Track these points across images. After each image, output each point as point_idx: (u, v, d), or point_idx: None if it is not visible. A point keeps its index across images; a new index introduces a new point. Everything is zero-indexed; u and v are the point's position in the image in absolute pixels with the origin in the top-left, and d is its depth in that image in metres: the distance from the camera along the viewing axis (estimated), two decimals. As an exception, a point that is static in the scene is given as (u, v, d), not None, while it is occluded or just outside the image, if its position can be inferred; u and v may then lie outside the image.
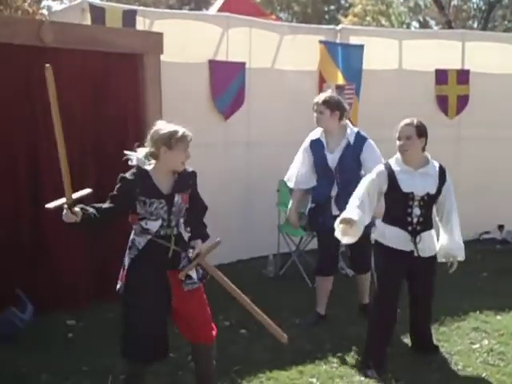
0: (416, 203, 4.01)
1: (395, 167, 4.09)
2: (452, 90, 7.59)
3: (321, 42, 7.03)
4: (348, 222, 3.95)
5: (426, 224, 4.09)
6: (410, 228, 4.05)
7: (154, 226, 3.37)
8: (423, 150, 4.12)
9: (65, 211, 3.10)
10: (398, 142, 4.10)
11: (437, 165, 4.14)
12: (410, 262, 4.10)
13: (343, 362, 4.26)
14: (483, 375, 4.06)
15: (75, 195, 3.23)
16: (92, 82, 5.27)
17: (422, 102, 7.43)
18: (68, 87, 5.09)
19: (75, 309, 4.99)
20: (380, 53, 7.31)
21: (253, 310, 3.54)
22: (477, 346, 4.51)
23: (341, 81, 7.06)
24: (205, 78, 6.34)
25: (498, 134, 7.58)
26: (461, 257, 4.14)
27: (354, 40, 7.25)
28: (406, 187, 4.01)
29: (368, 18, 24.60)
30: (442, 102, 7.61)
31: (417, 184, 4.02)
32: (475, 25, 24.58)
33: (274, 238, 6.38)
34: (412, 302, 4.33)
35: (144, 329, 3.32)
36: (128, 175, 3.37)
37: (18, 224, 5.00)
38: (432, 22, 25.89)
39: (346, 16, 26.16)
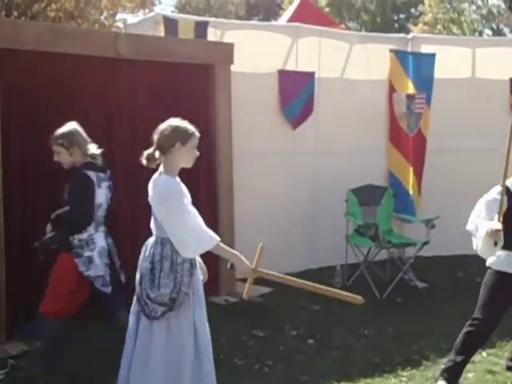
0: None
1: None
2: (528, 98, 7.36)
3: (391, 50, 6.97)
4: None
5: None
6: None
7: None
8: None
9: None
10: None
11: None
12: None
13: (413, 376, 4.18)
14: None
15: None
16: (163, 92, 5.39)
17: (497, 111, 7.24)
18: (141, 98, 5.24)
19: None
20: (452, 61, 7.18)
21: (317, 288, 3.48)
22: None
23: (411, 90, 6.97)
24: (274, 87, 6.39)
25: None
26: None
27: (425, 48, 7.15)
28: None
29: (439, 27, 24.14)
30: (518, 111, 7.38)
31: None
32: (551, 31, 23.77)
33: (342, 248, 6.33)
34: None
35: None
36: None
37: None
38: (506, 30, 25.16)
39: (415, 24, 25.78)
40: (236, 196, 5.88)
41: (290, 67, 6.48)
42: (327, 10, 24.51)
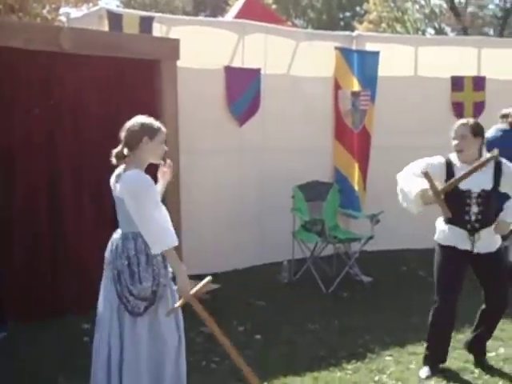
0: (474, 200, 3.96)
1: (454, 163, 4.05)
2: (468, 96, 7.57)
3: (337, 48, 7.05)
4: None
5: (486, 221, 3.99)
6: (468, 226, 3.99)
7: None
8: (480, 149, 4.03)
9: None
10: (453, 142, 4.04)
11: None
12: (471, 261, 4.05)
13: (358, 369, 4.24)
14: (499, 383, 4.03)
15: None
16: (109, 88, 5.32)
17: (438, 108, 7.43)
18: (85, 92, 5.16)
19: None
20: (396, 59, 7.31)
21: (233, 355, 3.48)
22: (493, 354, 4.47)
23: (356, 87, 7.07)
24: (220, 84, 6.38)
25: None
26: None
27: (369, 46, 7.26)
28: (463, 185, 3.92)
29: (383, 25, 24.58)
30: (458, 108, 7.58)
31: (473, 181, 3.91)
32: (491, 31, 24.49)
33: (289, 244, 6.38)
34: (485, 308, 4.23)
35: None
36: None
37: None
38: (448, 29, 25.81)
39: (361, 23, 26.17)
40: (184, 192, 5.85)
41: (237, 64, 6.48)
42: (274, 6, 24.59)
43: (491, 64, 7.57)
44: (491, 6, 25.64)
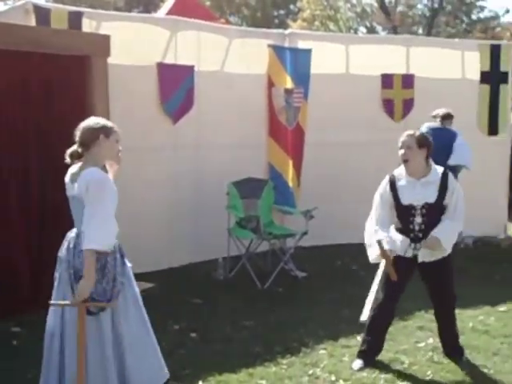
0: (418, 212, 4.15)
1: (398, 178, 4.22)
2: (397, 93, 7.76)
3: (269, 45, 7.09)
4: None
5: (429, 231, 4.15)
6: (411, 235, 4.18)
7: None
8: (427, 160, 4.19)
9: None
10: (399, 152, 4.19)
11: (440, 171, 4.20)
12: (418, 268, 4.25)
13: (292, 363, 4.29)
14: (428, 372, 4.15)
15: None
16: (37, 84, 5.17)
17: (369, 106, 7.59)
18: (13, 89, 5.01)
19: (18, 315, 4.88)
20: (327, 57, 7.42)
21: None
22: (422, 344, 4.61)
23: (289, 85, 7.13)
24: (153, 81, 6.31)
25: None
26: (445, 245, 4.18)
27: (302, 44, 7.34)
28: (405, 200, 4.15)
29: (316, 23, 24.90)
30: (388, 105, 7.77)
31: (417, 194, 4.13)
32: (420, 31, 25.17)
33: (224, 241, 6.38)
34: (435, 311, 4.43)
35: None
36: None
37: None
38: (379, 28, 26.38)
39: (295, 21, 26.42)
40: (120, 190, 5.74)
41: (169, 61, 6.42)
42: (208, 3, 24.51)
43: (419, 62, 7.79)
44: (420, 6, 26.38)
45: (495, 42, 9.08)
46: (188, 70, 6.50)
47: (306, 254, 6.89)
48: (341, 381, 4.03)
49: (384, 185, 4.29)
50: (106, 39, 5.47)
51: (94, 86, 5.45)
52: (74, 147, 3.38)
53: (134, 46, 6.05)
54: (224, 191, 6.42)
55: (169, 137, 6.50)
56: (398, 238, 4.22)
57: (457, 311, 4.43)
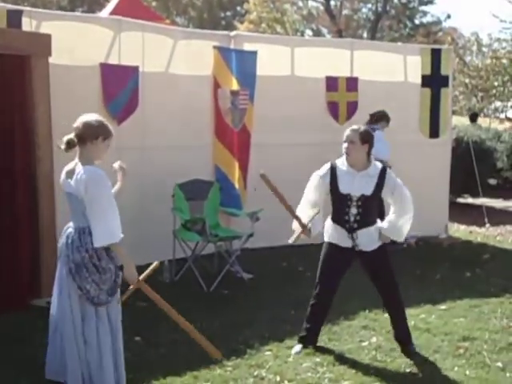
0: (354, 203, 4.31)
1: (340, 168, 4.37)
2: (342, 96, 7.86)
3: (215, 47, 7.07)
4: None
5: (364, 222, 4.34)
6: (347, 226, 4.35)
7: None
8: (368, 155, 4.34)
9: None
10: (343, 145, 4.35)
11: (379, 167, 4.38)
12: (355, 257, 4.43)
13: (237, 365, 4.29)
14: (371, 371, 4.21)
15: None
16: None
17: (314, 107, 7.66)
18: None
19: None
20: (273, 59, 7.46)
21: (188, 328, 4.13)
22: (366, 343, 4.68)
23: (235, 86, 7.13)
24: (96, 81, 6.20)
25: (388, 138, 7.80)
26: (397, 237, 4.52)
27: (247, 46, 7.35)
28: (344, 189, 4.31)
29: (263, 25, 25.03)
30: (333, 108, 7.87)
31: (355, 185, 4.30)
32: (365, 34, 25.62)
33: (170, 243, 6.33)
34: (383, 299, 4.60)
35: None
36: None
37: None
38: (325, 31, 26.72)
39: (242, 22, 26.48)
40: (60, 193, 5.62)
41: (113, 61, 6.32)
42: (154, 4, 24.34)
43: (363, 65, 7.91)
44: (364, 10, 26.84)
45: (436, 47, 9.32)
46: (132, 71, 6.42)
47: (253, 255, 6.90)
48: (286, 381, 4.06)
49: (325, 169, 4.44)
50: (46, 38, 5.36)
51: (34, 87, 5.33)
52: (71, 136, 3.47)
53: (76, 45, 5.93)
54: (170, 193, 6.37)
55: (113, 138, 6.37)
56: (337, 229, 4.40)
57: (399, 310, 4.54)
